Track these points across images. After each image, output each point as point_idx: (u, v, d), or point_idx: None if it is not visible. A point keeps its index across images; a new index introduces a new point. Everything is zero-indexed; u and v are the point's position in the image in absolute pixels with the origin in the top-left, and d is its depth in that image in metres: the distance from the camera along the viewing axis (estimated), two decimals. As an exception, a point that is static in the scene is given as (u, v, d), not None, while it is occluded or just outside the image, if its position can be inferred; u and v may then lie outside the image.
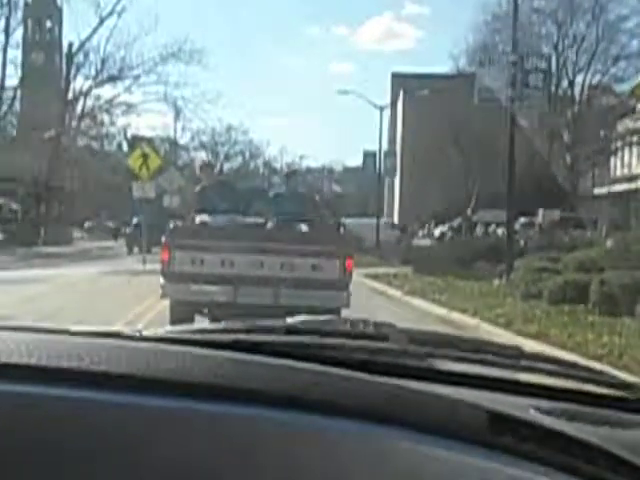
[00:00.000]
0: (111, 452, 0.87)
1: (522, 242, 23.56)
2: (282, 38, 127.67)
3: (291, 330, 1.29)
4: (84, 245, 43.90)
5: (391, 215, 63.42)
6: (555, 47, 41.18)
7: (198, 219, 9.62)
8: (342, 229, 10.23)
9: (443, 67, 63.66)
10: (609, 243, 18.26)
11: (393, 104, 65.27)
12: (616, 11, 41.78)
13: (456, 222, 44.97)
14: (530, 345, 8.83)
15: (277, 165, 70.04)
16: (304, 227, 9.49)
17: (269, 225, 9.65)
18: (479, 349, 1.35)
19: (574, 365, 1.42)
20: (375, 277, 19.54)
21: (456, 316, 11.93)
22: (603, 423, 1.12)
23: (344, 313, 8.04)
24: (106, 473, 0.86)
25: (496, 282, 16.12)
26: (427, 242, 37.75)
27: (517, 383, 1.23)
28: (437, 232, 46.30)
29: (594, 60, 42.23)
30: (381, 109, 39.39)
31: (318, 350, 1.16)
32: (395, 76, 74.40)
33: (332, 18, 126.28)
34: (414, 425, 0.94)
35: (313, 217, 9.88)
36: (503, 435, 0.97)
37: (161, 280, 8.57)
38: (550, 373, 1.30)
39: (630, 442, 1.05)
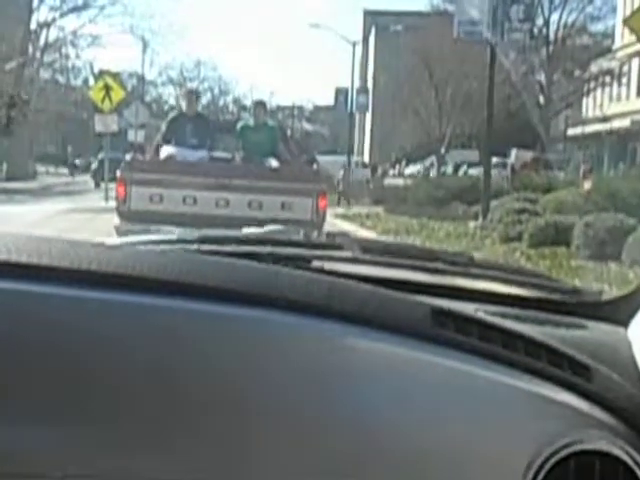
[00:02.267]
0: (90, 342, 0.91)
1: (504, 181, 23.02)
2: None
3: (248, 240, 1.34)
4: (48, 180, 42.97)
5: (362, 153, 62.76)
6: (531, -16, 40.33)
7: (163, 151, 8.87)
8: (315, 165, 9.51)
9: (417, 4, 62.47)
10: (587, 184, 17.81)
11: (365, 41, 64.12)
12: (593, -53, 40.88)
13: (428, 161, 44.45)
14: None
15: (247, 102, 68.77)
16: (274, 162, 8.82)
17: (236, 160, 8.95)
18: (431, 257, 1.37)
19: (525, 271, 1.52)
20: (346, 217, 18.97)
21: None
22: (549, 324, 1.16)
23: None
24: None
25: (472, 224, 15.60)
26: (399, 182, 37.23)
27: (466, 290, 1.25)
28: (408, 171, 45.74)
29: (570, -2, 41.44)
30: (354, 44, 38.53)
31: (272, 259, 1.16)
32: (367, 13, 73.02)
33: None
34: (356, 319, 0.96)
35: (283, 151, 9.18)
36: (445, 329, 0.99)
37: (115, 220, 7.88)
38: (499, 280, 1.33)
39: (574, 341, 1.09)
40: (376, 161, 50.78)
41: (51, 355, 0.92)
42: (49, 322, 0.92)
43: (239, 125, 9.75)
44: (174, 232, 1.41)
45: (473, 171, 33.31)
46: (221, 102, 69.18)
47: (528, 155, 37.21)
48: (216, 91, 68.13)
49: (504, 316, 1.14)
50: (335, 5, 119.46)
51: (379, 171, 44.57)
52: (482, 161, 21.72)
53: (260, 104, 10.03)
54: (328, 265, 1.20)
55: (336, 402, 0.95)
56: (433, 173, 39.42)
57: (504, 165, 35.75)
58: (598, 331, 1.19)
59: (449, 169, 40.25)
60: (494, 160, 34.73)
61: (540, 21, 41.36)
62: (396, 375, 0.96)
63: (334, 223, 17.26)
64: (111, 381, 0.92)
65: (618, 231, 10.11)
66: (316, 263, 1.19)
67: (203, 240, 1.29)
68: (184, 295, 0.95)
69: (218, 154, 9.17)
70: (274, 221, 7.63)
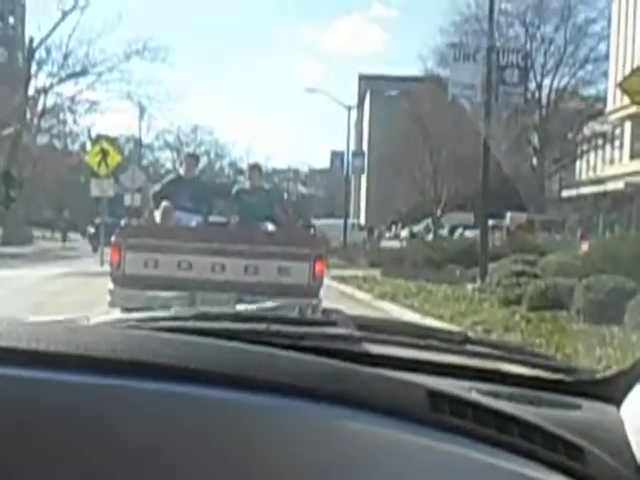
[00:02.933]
0: (55, 428, 0.90)
1: (500, 243, 23.00)
2: (248, 39, 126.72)
3: (242, 317, 1.32)
4: (44, 245, 42.93)
5: (358, 216, 62.93)
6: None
7: (158, 215, 8.78)
8: (313, 229, 9.42)
9: (411, 69, 63.35)
10: (584, 246, 17.74)
11: (360, 105, 64.82)
12: (584, 14, 41.59)
13: (423, 224, 44.54)
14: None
15: (243, 166, 69.19)
16: (270, 226, 8.72)
17: (231, 224, 8.85)
18: (425, 335, 1.38)
19: (519, 350, 1.46)
20: (343, 280, 18.84)
21: (431, 323, 11.23)
22: (543, 404, 1.15)
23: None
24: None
25: (470, 286, 15.47)
26: (395, 244, 37.22)
27: (461, 367, 1.25)
28: (404, 233, 45.81)
29: (562, 63, 42.04)
30: (349, 108, 38.89)
31: (267, 337, 1.17)
32: (362, 78, 74.03)
33: (299, 18, 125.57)
34: (354, 403, 0.96)
35: (280, 215, 9.09)
36: (441, 412, 0.98)
37: (110, 285, 7.73)
38: (495, 358, 1.33)
39: (568, 422, 1.09)
40: (372, 223, 50.89)
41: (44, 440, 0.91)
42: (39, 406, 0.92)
43: (235, 189, 9.68)
44: (170, 308, 1.41)
45: (469, 233, 33.34)
46: (217, 166, 69.64)
47: (523, 217, 37.33)
48: (212, 155, 68.67)
49: (498, 395, 1.14)
50: (330, 70, 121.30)
51: (375, 233, 44.63)
52: (477, 223, 21.76)
53: (255, 167, 9.98)
54: (324, 344, 1.19)
55: None
56: (429, 236, 39.44)
57: (499, 227, 35.83)
58: (592, 411, 1.18)
59: (445, 231, 40.32)
60: (490, 222, 34.96)
61: (533, 85, 41.95)
62: (394, 459, 0.94)
63: (331, 285, 17.12)
64: (104, 469, 0.91)
65: (619, 294, 9.97)
66: (311, 342, 1.19)
67: (199, 317, 1.30)
68: (174, 379, 0.95)
69: (214, 218, 9.08)
70: (270, 286, 7.51)
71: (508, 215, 37.99)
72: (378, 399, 0.97)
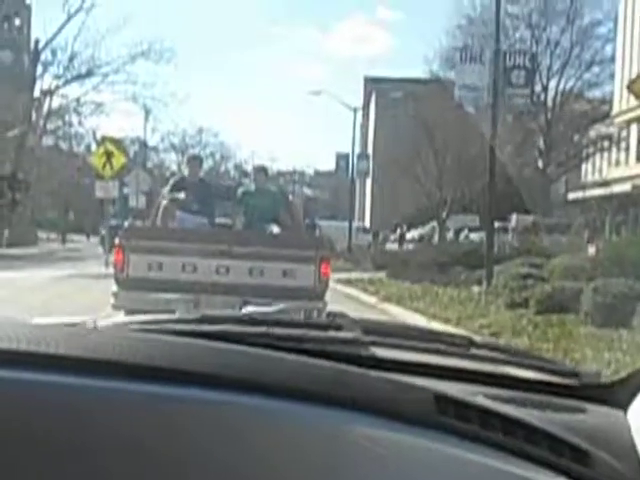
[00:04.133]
0: (56, 431, 0.90)
1: (505, 246, 22.90)
2: (253, 40, 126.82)
3: (247, 320, 1.32)
4: (49, 246, 42.97)
5: (363, 219, 62.85)
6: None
7: (159, 215, 8.73)
8: (318, 231, 9.35)
9: (417, 72, 63.31)
10: (591, 249, 17.65)
11: (366, 107, 64.73)
12: (590, 16, 41.45)
13: (428, 226, 44.45)
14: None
15: (248, 168, 69.08)
16: (275, 228, 8.66)
17: (237, 226, 8.79)
18: (430, 338, 1.38)
19: (524, 353, 1.48)
20: (348, 282, 18.79)
21: (437, 325, 11.15)
22: (549, 408, 1.15)
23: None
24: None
25: (476, 289, 15.37)
26: (402, 246, 37.17)
27: (466, 371, 1.25)
28: (409, 236, 45.72)
29: (568, 65, 41.92)
30: (354, 110, 38.83)
31: (272, 340, 1.17)
32: (368, 80, 73.94)
33: (303, 21, 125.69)
34: (361, 407, 0.96)
35: (285, 217, 9.02)
36: (447, 416, 0.99)
37: (113, 287, 7.67)
38: (500, 361, 1.34)
39: (574, 426, 1.09)
40: (377, 226, 50.80)
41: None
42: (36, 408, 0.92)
43: (240, 191, 9.60)
44: (174, 311, 1.43)
45: (474, 236, 33.21)
46: (222, 168, 69.61)
47: (529, 219, 37.22)
48: (218, 157, 68.60)
49: (504, 399, 1.15)
50: (336, 72, 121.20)
51: (380, 236, 44.55)
52: (483, 226, 21.66)
53: (261, 169, 9.91)
54: (329, 347, 1.20)
55: None
56: (435, 238, 39.38)
57: (505, 229, 35.72)
58: (597, 415, 1.18)
59: (450, 234, 40.21)
60: (495, 225, 34.81)
61: (538, 87, 41.84)
62: (400, 463, 0.95)
63: (337, 288, 17.06)
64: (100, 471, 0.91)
65: (627, 297, 9.88)
66: (316, 345, 1.19)
67: (202, 320, 1.30)
68: (178, 383, 0.95)
69: (219, 220, 9.02)
70: (276, 289, 7.44)
71: (514, 217, 37.87)
72: (384, 403, 0.98)
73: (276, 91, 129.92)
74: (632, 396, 1.16)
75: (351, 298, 16.28)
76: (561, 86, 41.98)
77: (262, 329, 1.25)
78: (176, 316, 1.34)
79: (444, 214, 41.68)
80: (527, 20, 41.28)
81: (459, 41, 39.51)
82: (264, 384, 0.96)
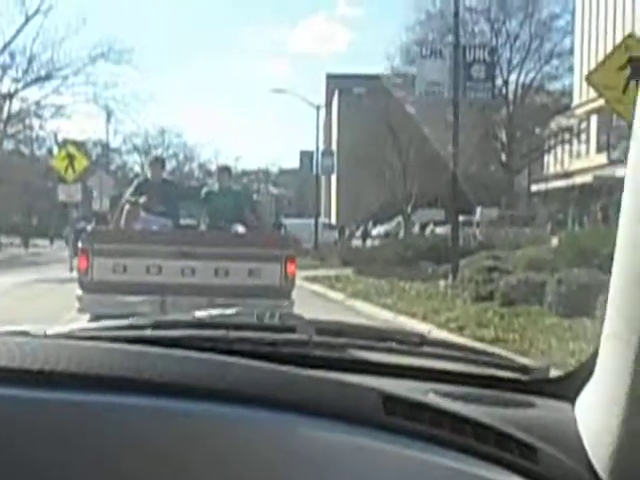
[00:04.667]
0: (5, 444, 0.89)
1: (473, 239, 23.05)
2: (215, 40, 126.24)
3: (200, 324, 1.32)
4: (13, 251, 42.45)
5: (329, 215, 62.90)
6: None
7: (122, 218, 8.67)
8: (283, 229, 9.35)
9: (378, 68, 63.47)
10: (554, 241, 17.82)
11: (328, 104, 64.78)
12: (548, 9, 41.87)
13: (394, 221, 44.59)
14: (489, 352, 8.14)
15: (212, 167, 68.76)
16: (240, 228, 8.64)
17: (201, 226, 8.76)
18: (383, 337, 1.40)
19: (475, 350, 1.48)
20: (315, 280, 18.79)
21: (404, 320, 11.21)
22: (498, 404, 1.17)
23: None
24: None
25: (442, 283, 15.46)
26: (367, 242, 37.24)
27: (418, 369, 1.26)
28: (376, 232, 45.85)
29: (527, 58, 42.27)
30: (317, 107, 38.86)
31: (225, 344, 1.18)
32: (330, 77, 73.95)
33: (265, 18, 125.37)
34: (309, 410, 0.97)
35: (250, 217, 9.01)
36: (396, 416, 1.00)
37: (78, 291, 7.61)
38: (451, 358, 1.34)
39: (522, 421, 1.10)
40: (343, 223, 50.85)
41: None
42: None
43: (204, 191, 9.58)
44: (137, 314, 1.46)
45: (440, 230, 33.39)
46: (187, 168, 69.24)
47: (493, 212, 37.48)
48: (181, 157, 68.24)
49: (455, 396, 1.16)
50: (299, 69, 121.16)
51: (347, 232, 44.62)
52: (448, 219, 21.78)
53: (224, 169, 9.89)
54: (282, 349, 1.22)
55: None
56: (401, 233, 39.51)
57: (470, 223, 35.94)
58: (546, 409, 1.21)
59: (416, 228, 40.39)
60: (460, 218, 35.00)
61: (499, 81, 42.15)
62: (349, 464, 0.95)
63: (303, 285, 17.05)
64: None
65: (591, 287, 9.99)
66: (269, 348, 1.20)
67: (156, 326, 1.29)
68: (126, 391, 0.95)
69: (183, 221, 8.99)
70: (242, 288, 7.43)
71: (478, 210, 38.10)
72: (332, 405, 0.98)
73: (240, 90, 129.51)
74: (579, 389, 1.17)
75: (318, 295, 16.29)
76: (522, 79, 42.37)
77: (215, 333, 1.25)
78: (128, 322, 1.33)
79: (409, 209, 41.87)
80: (486, 14, 41.57)
81: (419, 36, 39.71)
82: (211, 390, 0.96)
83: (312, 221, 37.34)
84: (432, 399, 1.10)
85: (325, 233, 38.96)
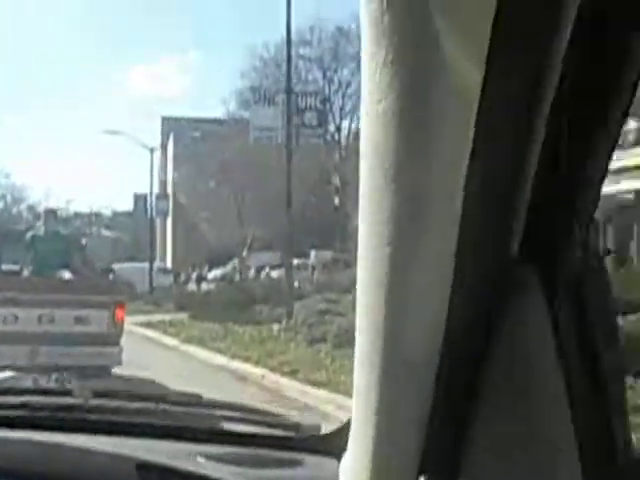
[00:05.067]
0: None
1: (305, 282, 23.31)
2: (47, 78, 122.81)
3: None
4: None
5: (164, 259, 62.00)
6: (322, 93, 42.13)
7: None
8: (111, 275, 9.15)
9: (215, 112, 63.52)
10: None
11: (164, 147, 64.19)
12: (379, 59, 43.55)
13: (230, 265, 44.53)
14: (321, 395, 8.25)
15: (41, 210, 66.32)
16: (66, 274, 8.37)
17: (24, 272, 8.43)
18: (160, 399, 1.39)
19: (248, 408, 1.49)
20: (149, 325, 18.42)
21: (238, 365, 11.16)
22: (266, 464, 1.19)
23: (118, 370, 7.06)
24: None
25: (275, 327, 15.53)
26: (202, 286, 36.98)
27: (190, 430, 1.27)
28: (211, 275, 45.61)
29: (359, 106, 43.64)
30: (152, 150, 38.40)
31: (4, 410, 1.16)
32: (165, 119, 73.31)
33: (101, 60, 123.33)
34: None
35: (77, 262, 8.76)
36: None
37: None
38: (224, 418, 1.36)
39: (283, 478, 1.15)
40: (179, 266, 50.25)
41: None
42: None
43: (28, 235, 9.23)
44: None
45: (275, 273, 33.65)
46: (14, 210, 66.55)
47: (328, 255, 38.15)
48: (9, 199, 65.54)
49: (222, 457, 1.17)
50: (134, 112, 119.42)
51: (182, 276, 44.12)
52: (284, 263, 21.98)
53: (50, 212, 9.63)
54: (58, 414, 1.21)
55: None
56: (236, 277, 39.50)
57: (305, 266, 36.42)
58: (313, 467, 1.23)
59: (252, 272, 40.51)
60: (295, 262, 35.42)
61: (332, 127, 43.29)
62: None
63: (136, 331, 16.67)
64: None
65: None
66: (43, 413, 1.19)
67: None
68: None
69: (5, 266, 8.63)
70: (67, 336, 7.19)
71: (312, 253, 38.69)
72: (89, 476, 1.00)
73: (71, 131, 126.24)
74: (344, 446, 1.15)
75: (151, 341, 15.97)
76: (353, 126, 43.70)
77: None
78: None
79: (245, 252, 41.97)
80: (319, 63, 42.74)
81: (254, 82, 40.22)
82: None
83: (147, 265, 36.71)
84: (196, 462, 1.10)
85: (160, 277, 38.38)
